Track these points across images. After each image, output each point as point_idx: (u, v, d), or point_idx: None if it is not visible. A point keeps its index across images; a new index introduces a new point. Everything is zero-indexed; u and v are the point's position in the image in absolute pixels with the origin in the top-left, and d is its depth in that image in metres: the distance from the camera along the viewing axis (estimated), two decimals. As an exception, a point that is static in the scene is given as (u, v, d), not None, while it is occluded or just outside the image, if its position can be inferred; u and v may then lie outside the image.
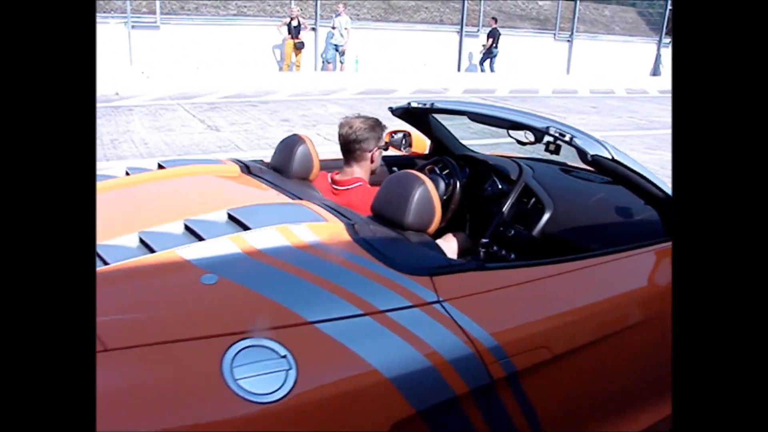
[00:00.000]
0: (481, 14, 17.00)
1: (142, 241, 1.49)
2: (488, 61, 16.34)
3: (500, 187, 2.74)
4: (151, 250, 1.44)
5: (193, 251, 1.42)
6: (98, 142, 6.99)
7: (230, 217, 1.61)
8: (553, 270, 1.75)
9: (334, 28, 14.26)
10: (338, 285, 1.41)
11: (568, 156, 2.44)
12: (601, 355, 1.79)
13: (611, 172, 2.08)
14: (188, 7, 14.60)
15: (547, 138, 2.24)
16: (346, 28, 14.12)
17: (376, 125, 2.41)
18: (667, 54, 19.97)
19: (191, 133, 7.68)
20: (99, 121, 8.24)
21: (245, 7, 15.23)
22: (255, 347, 1.22)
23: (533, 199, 2.58)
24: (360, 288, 1.42)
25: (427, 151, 3.21)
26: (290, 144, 2.28)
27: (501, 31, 16.36)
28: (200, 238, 1.49)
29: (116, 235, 1.51)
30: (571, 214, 2.50)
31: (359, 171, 2.41)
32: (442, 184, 2.65)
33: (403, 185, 1.79)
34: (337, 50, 14.39)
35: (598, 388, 1.85)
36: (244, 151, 6.74)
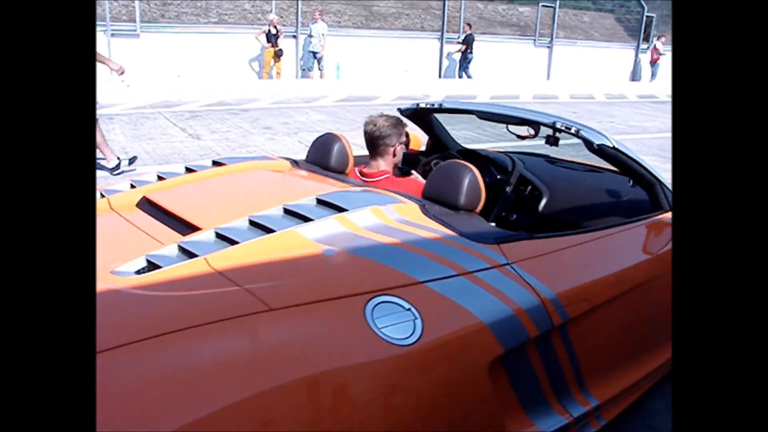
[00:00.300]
0: (462, 21, 17.10)
1: (252, 223, 1.77)
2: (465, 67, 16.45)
3: (498, 177, 2.99)
4: (267, 230, 1.71)
5: (308, 230, 1.71)
6: (78, 151, 6.93)
7: (319, 201, 1.90)
8: (581, 239, 2.14)
9: (311, 36, 14.24)
10: (432, 252, 1.73)
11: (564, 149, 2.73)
12: (622, 307, 2.17)
13: (613, 158, 2.47)
14: (168, 14, 14.53)
15: (546, 131, 2.62)
16: (323, 34, 14.10)
17: (398, 123, 2.62)
18: (645, 59, 20.20)
19: (172, 141, 7.64)
20: (78, 130, 8.15)
21: (226, 14, 15.19)
22: (385, 303, 1.52)
23: (529, 187, 2.85)
24: (449, 254, 1.75)
25: (423, 148, 3.42)
26: (327, 141, 2.58)
27: (482, 37, 16.47)
28: (305, 219, 1.77)
29: (224, 221, 1.78)
30: (566, 198, 2.82)
31: (384, 164, 2.61)
32: None
33: (454, 172, 2.11)
34: (315, 57, 14.37)
35: (619, 334, 2.24)
36: (225, 160, 6.73)
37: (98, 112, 9.63)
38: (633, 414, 2.45)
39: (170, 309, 1.37)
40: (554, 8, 18.37)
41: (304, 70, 14.76)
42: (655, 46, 19.64)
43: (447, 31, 16.82)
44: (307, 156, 2.64)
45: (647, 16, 20.13)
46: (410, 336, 1.49)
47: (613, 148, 2.39)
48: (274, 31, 13.66)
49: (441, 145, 3.39)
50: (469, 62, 16.31)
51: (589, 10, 21.68)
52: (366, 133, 2.61)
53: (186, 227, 1.86)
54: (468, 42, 16.10)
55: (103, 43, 12.52)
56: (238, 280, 1.47)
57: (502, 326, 1.68)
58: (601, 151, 2.40)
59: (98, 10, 13.07)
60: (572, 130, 2.43)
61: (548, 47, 18.76)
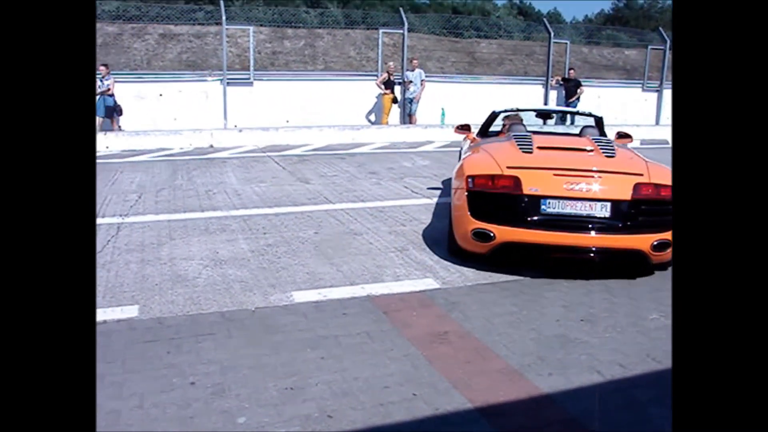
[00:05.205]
0: (567, 66, 16.88)
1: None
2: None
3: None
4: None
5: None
6: (194, 192, 7.25)
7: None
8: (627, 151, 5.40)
9: (409, 82, 14.33)
10: (631, 152, 5.24)
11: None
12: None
13: (599, 120, 6.52)
14: (278, 63, 15.20)
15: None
16: (422, 81, 14.18)
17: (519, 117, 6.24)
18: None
19: (282, 184, 7.87)
20: (195, 173, 8.56)
21: (332, 62, 15.71)
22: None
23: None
24: (630, 154, 5.24)
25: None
26: (519, 124, 6.09)
27: (587, 81, 16.17)
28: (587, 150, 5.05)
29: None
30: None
31: None
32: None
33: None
34: (410, 103, 14.43)
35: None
36: (333, 203, 6.83)
37: (212, 155, 10.09)
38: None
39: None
40: (664, 50, 17.80)
41: (407, 116, 14.92)
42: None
43: (552, 77, 16.62)
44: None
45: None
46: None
47: (601, 117, 6.38)
48: (390, 78, 13.97)
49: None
50: (575, 103, 16.07)
51: (701, 53, 20.90)
52: (510, 123, 5.57)
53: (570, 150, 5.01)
54: (571, 83, 15.91)
55: (219, 91, 13.21)
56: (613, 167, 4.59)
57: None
58: (598, 119, 6.41)
59: (214, 61, 13.83)
60: (586, 113, 6.63)
61: (657, 91, 18.15)
